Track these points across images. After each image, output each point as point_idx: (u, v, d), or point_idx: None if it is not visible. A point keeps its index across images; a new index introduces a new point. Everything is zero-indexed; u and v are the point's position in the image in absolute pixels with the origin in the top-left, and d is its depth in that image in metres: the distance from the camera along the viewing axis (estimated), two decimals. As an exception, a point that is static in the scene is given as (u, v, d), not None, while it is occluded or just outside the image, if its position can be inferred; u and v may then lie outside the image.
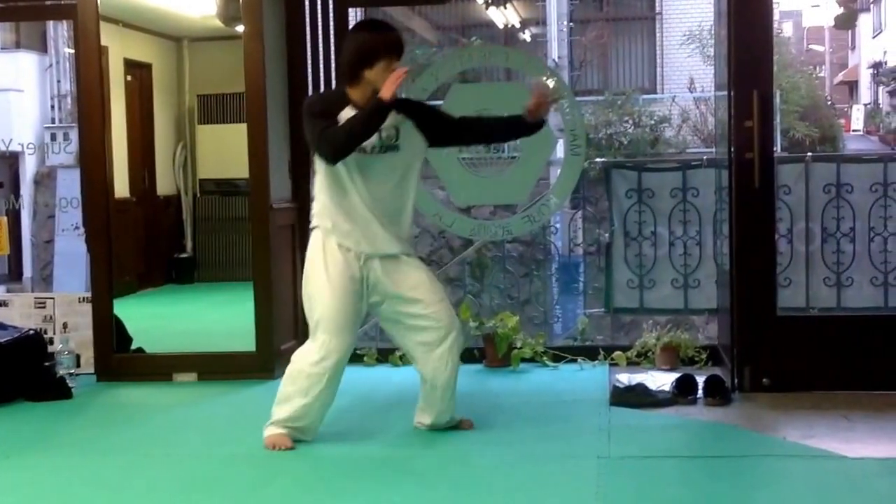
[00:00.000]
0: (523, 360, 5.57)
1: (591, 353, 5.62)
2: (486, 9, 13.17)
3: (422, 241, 14.00)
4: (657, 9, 16.49)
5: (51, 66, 15.91)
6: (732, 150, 4.86)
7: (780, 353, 4.84)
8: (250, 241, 5.55)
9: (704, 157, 6.12)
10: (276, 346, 5.50)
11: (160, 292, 8.91)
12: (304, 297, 4.19)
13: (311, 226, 4.21)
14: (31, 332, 5.28)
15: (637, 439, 4.19)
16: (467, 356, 5.66)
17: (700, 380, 4.77)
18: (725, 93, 4.97)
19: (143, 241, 9.04)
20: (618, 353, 5.55)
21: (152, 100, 9.49)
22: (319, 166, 4.14)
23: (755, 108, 4.77)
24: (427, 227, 13.99)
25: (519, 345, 5.59)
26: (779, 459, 3.94)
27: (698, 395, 4.72)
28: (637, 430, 4.32)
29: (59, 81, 15.84)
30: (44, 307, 5.74)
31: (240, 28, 5.81)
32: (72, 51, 15.27)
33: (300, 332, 5.86)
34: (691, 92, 15.00)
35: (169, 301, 8.65)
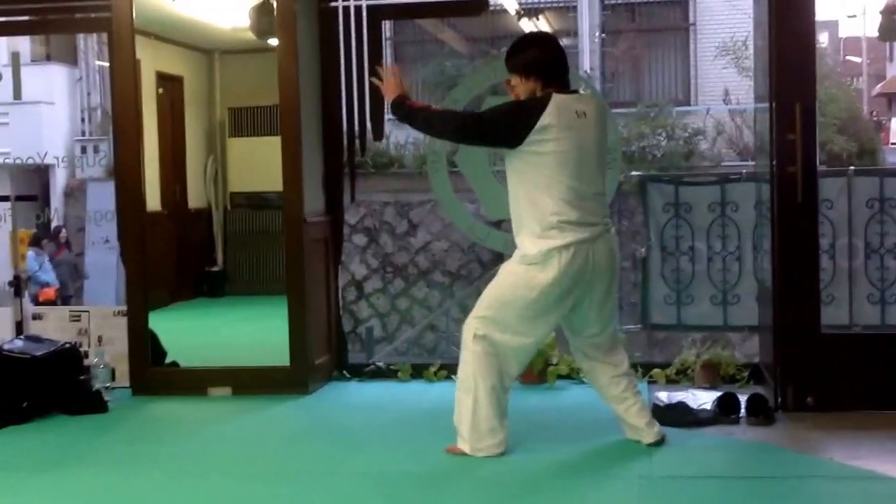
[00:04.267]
0: (560, 376, 5.49)
1: (628, 370, 5.51)
2: (518, 20, 13.12)
3: (451, 254, 13.96)
4: (691, 19, 16.35)
5: (81, 78, 16.04)
6: (774, 163, 4.77)
7: (824, 371, 4.73)
8: (283, 254, 5.50)
9: (743, 171, 6.03)
10: (310, 360, 5.45)
11: (191, 306, 8.90)
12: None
13: None
14: (67, 345, 5.26)
15: (679, 459, 4.10)
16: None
17: (742, 398, 4.67)
18: (765, 105, 4.89)
19: (174, 254, 9.04)
20: (656, 370, 5.45)
21: (183, 113, 9.49)
22: None
23: (798, 121, 4.67)
24: (457, 241, 13.93)
25: (555, 361, 5.50)
26: (825, 481, 3.84)
27: (741, 415, 4.62)
28: (678, 449, 4.22)
29: (89, 94, 15.96)
30: (79, 320, 5.72)
31: (272, 41, 5.79)
32: (102, 63, 15.40)
33: (333, 347, 5.82)
34: (726, 104, 14.84)
35: (200, 314, 8.63)
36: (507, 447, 4.13)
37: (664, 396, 4.83)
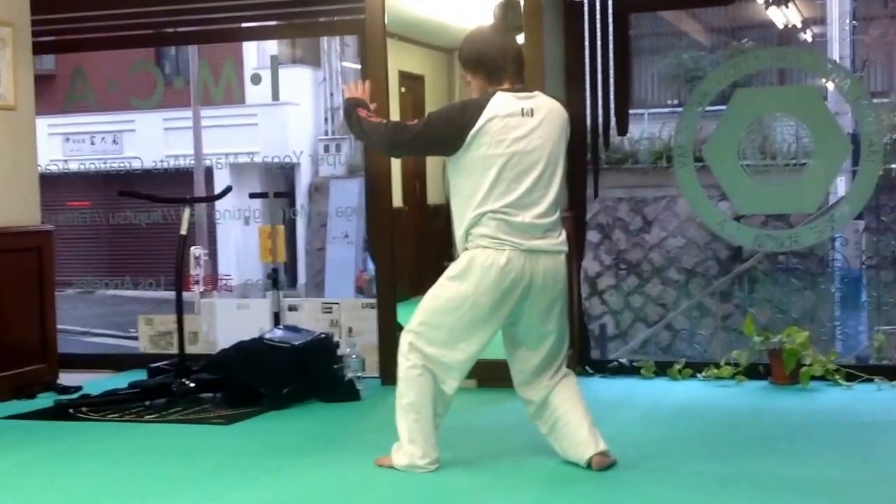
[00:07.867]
0: (813, 377, 5.27)
1: (889, 373, 5.23)
2: (766, 8, 12.66)
3: (687, 251, 13.65)
4: (950, 2, 15.34)
5: (324, 79, 16.71)
6: None
7: None
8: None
9: None
10: (554, 355, 5.44)
11: (431, 299, 9.07)
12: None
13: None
14: (322, 335, 5.48)
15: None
16: (752, 372, 5.45)
17: None
18: None
19: (414, 249, 9.26)
20: (921, 374, 5.15)
21: (424, 111, 9.70)
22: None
23: None
24: (693, 238, 13.61)
25: (808, 362, 5.28)
26: None
27: None
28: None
29: (331, 95, 16.63)
30: (330, 312, 5.97)
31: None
32: (345, 64, 15.89)
33: (576, 342, 5.80)
34: None
35: (441, 308, 8.78)
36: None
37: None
